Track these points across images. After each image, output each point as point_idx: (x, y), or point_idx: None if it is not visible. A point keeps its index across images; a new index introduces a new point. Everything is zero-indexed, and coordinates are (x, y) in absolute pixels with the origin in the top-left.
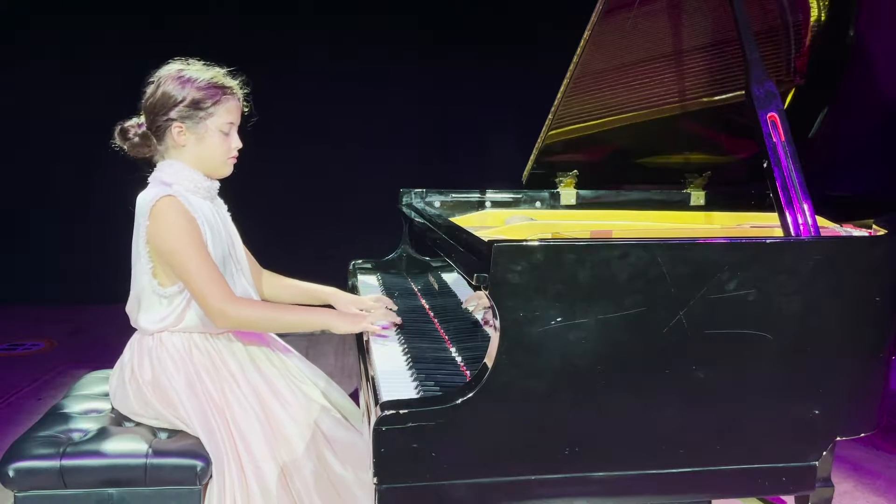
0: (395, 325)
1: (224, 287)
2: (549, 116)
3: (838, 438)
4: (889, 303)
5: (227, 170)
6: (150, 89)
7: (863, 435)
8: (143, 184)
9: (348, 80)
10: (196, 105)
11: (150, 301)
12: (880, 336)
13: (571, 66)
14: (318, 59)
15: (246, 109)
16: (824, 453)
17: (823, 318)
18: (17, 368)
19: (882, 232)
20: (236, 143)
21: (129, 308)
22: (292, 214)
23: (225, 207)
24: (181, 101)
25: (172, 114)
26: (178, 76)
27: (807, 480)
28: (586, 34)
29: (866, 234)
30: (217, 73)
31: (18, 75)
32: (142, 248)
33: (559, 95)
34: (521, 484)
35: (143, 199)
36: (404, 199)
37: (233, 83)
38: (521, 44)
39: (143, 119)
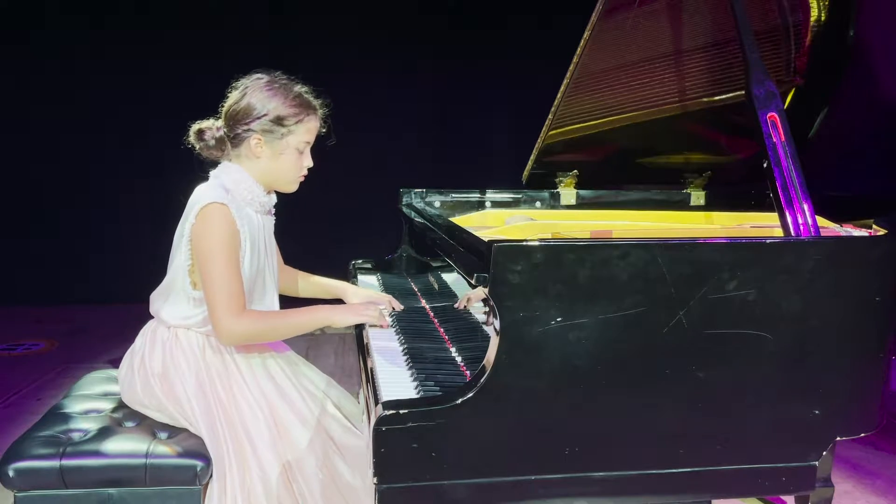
0: (395, 322)
1: (238, 306)
2: (549, 116)
3: (838, 438)
4: (889, 303)
5: (293, 187)
6: (234, 96)
7: (863, 435)
8: (148, 184)
9: (348, 79)
10: (279, 121)
11: (178, 297)
12: (880, 336)
13: (571, 66)
14: (317, 58)
15: (323, 130)
16: (824, 453)
17: (823, 318)
18: (17, 368)
19: (882, 232)
20: (308, 161)
21: (155, 295)
22: (292, 214)
23: (273, 220)
24: (265, 115)
25: (254, 125)
26: (268, 88)
27: (807, 480)
28: (586, 34)
29: (866, 234)
30: (303, 91)
31: (19, 75)
32: (184, 244)
33: (559, 95)
34: (521, 484)
35: (198, 196)
36: (404, 199)
37: (316, 103)
38: (522, 44)
39: (221, 123)
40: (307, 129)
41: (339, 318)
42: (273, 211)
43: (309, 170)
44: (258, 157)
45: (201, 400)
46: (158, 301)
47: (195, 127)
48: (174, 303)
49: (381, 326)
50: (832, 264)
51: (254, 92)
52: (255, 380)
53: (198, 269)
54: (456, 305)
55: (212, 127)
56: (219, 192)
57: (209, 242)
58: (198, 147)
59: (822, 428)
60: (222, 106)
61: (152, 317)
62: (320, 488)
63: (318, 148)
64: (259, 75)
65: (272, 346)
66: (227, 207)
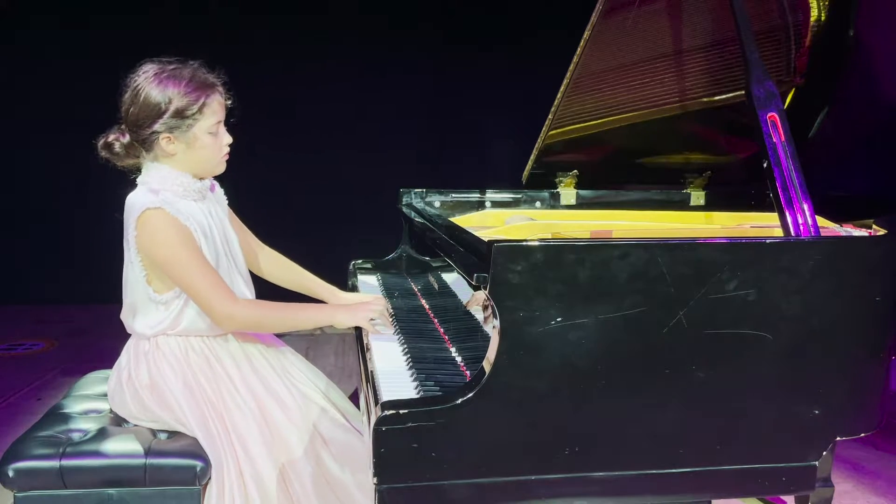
0: (394, 323)
1: (226, 291)
2: (549, 116)
3: (838, 438)
4: (889, 303)
5: (220, 168)
6: (127, 97)
7: (863, 435)
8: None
9: (348, 79)
10: (180, 114)
11: (146, 308)
12: (880, 336)
13: (571, 66)
14: (317, 58)
15: (229, 102)
16: (824, 453)
17: (823, 318)
18: (17, 368)
19: (882, 232)
20: (226, 139)
21: (124, 315)
22: (292, 214)
23: (225, 200)
24: (165, 112)
25: (157, 126)
26: (157, 80)
27: (807, 480)
28: (586, 34)
29: (866, 234)
30: (195, 71)
31: (19, 74)
32: (133, 257)
33: (559, 95)
34: (521, 484)
35: (130, 206)
36: (404, 199)
37: (213, 79)
38: (521, 44)
39: (124, 128)
40: (212, 111)
41: (342, 319)
42: (215, 187)
43: (309, 168)
44: (173, 154)
45: (191, 403)
46: (129, 318)
47: (101, 141)
48: (144, 314)
49: (382, 331)
50: (832, 264)
51: (145, 88)
52: (241, 377)
53: (161, 276)
54: (466, 304)
55: (117, 137)
56: (148, 197)
57: (164, 249)
58: (112, 160)
59: (822, 428)
60: (120, 110)
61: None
62: (311, 482)
63: (318, 148)
64: (146, 67)
65: (255, 338)
66: (161, 210)
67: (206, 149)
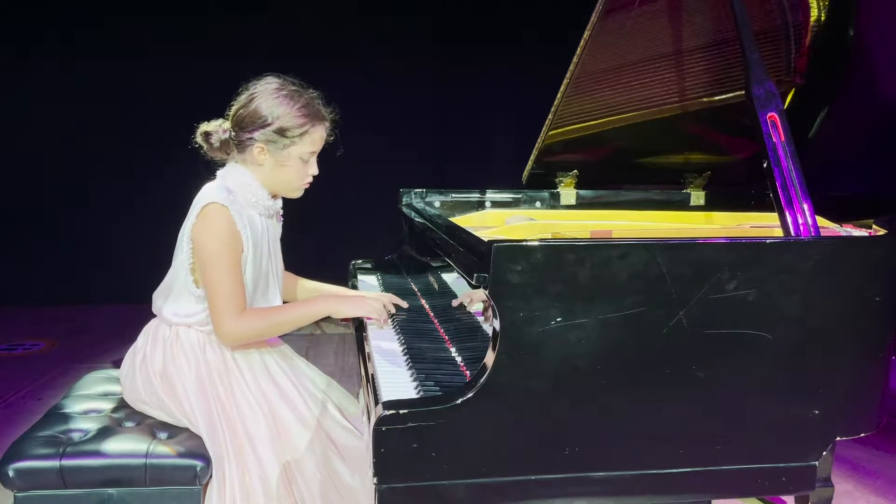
0: (395, 323)
1: (238, 308)
2: (549, 116)
3: (838, 438)
4: (889, 303)
5: (297, 194)
6: (242, 99)
7: (863, 435)
8: (148, 184)
9: (348, 79)
10: (283, 132)
11: (180, 294)
12: (880, 336)
13: (571, 66)
14: (318, 58)
15: (331, 139)
16: (824, 453)
17: (823, 318)
18: (17, 368)
19: (882, 232)
20: (313, 170)
21: (157, 294)
22: (292, 214)
23: (279, 225)
24: (269, 125)
25: (257, 135)
26: (276, 95)
27: (807, 480)
28: (586, 34)
29: (866, 234)
30: (311, 99)
31: (19, 75)
32: (185, 243)
33: (559, 95)
34: (521, 484)
35: (202, 196)
36: (404, 199)
37: (324, 112)
38: (521, 44)
39: (227, 125)
40: (312, 140)
41: (342, 308)
42: (280, 216)
43: (314, 176)
44: (261, 165)
45: (201, 399)
46: (160, 299)
47: (202, 128)
48: (175, 300)
49: (381, 325)
50: (832, 264)
51: (261, 97)
52: (255, 379)
53: (199, 269)
54: (453, 303)
55: (217, 129)
56: (221, 193)
57: (210, 244)
58: (204, 147)
59: (822, 428)
60: (230, 107)
61: (154, 315)
62: (319, 489)
63: (322, 150)
64: (269, 80)
65: (272, 344)
66: (226, 209)
67: (291, 171)
